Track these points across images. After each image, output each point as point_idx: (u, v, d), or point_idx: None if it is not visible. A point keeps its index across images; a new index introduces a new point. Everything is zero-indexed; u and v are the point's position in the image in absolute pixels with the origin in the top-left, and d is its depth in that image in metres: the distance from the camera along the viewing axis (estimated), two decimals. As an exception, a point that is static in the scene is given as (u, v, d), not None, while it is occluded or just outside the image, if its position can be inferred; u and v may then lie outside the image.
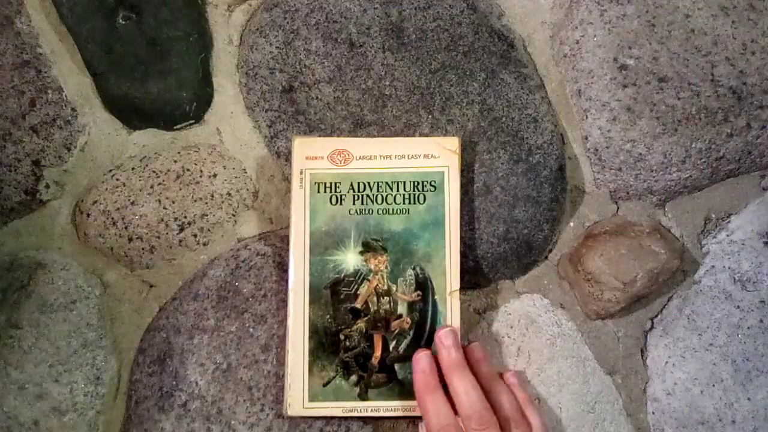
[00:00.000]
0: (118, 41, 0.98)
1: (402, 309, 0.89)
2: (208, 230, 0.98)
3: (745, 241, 1.01)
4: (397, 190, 0.90)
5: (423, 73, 0.98)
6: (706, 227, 1.03)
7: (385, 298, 0.89)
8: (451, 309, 0.89)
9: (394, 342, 0.88)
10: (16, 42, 0.97)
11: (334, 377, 0.87)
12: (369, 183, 0.90)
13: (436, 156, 0.91)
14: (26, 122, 0.96)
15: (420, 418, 0.93)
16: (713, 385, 0.96)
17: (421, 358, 0.87)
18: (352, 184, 0.90)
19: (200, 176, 0.98)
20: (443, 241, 0.89)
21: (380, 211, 0.89)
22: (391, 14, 0.98)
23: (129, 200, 0.96)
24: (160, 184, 0.97)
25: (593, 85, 0.99)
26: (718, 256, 1.01)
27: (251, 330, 0.92)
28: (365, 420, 0.93)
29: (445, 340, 0.87)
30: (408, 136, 0.97)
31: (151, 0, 0.98)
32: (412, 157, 0.91)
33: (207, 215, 0.98)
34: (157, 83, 0.99)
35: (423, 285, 0.89)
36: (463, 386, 0.84)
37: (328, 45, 0.97)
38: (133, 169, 0.98)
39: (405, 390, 0.88)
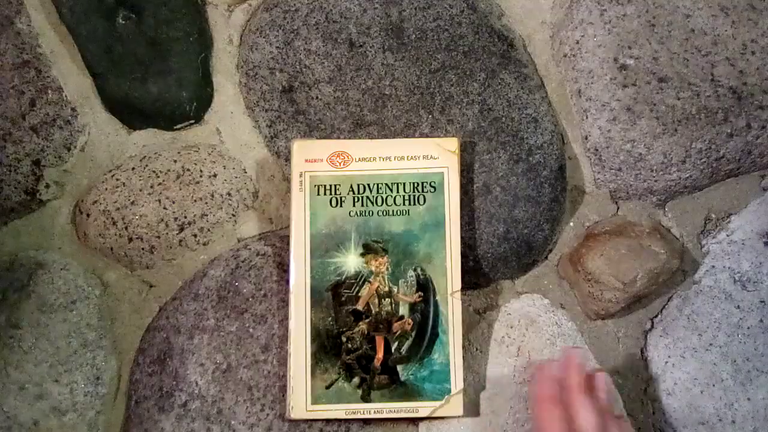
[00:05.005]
0: (118, 41, 0.98)
1: (403, 310, 0.89)
2: (208, 230, 0.98)
3: (745, 241, 1.01)
4: (397, 192, 0.90)
5: (423, 73, 0.98)
6: (706, 227, 1.03)
7: (387, 299, 0.89)
8: (452, 310, 0.89)
9: (396, 343, 0.89)
10: (16, 42, 0.97)
11: (336, 379, 0.88)
12: (369, 185, 0.90)
13: (436, 157, 0.91)
14: (26, 122, 0.96)
15: (421, 419, 0.93)
16: (713, 385, 0.96)
17: (552, 366, 0.88)
18: (351, 186, 0.90)
19: (200, 176, 0.98)
20: (444, 242, 0.89)
21: (380, 213, 0.89)
22: (391, 14, 0.98)
23: (129, 200, 0.96)
24: (160, 184, 0.97)
25: (593, 85, 0.99)
26: (718, 256, 1.02)
27: (251, 330, 0.92)
28: (366, 421, 0.93)
29: (577, 359, 0.87)
30: (408, 136, 0.97)
31: (151, 0, 0.98)
32: (412, 158, 0.91)
33: (207, 215, 0.98)
34: (157, 83, 0.99)
35: (424, 286, 0.89)
36: (586, 410, 0.82)
37: (328, 45, 0.97)
38: (133, 169, 0.98)
39: (408, 391, 0.88)
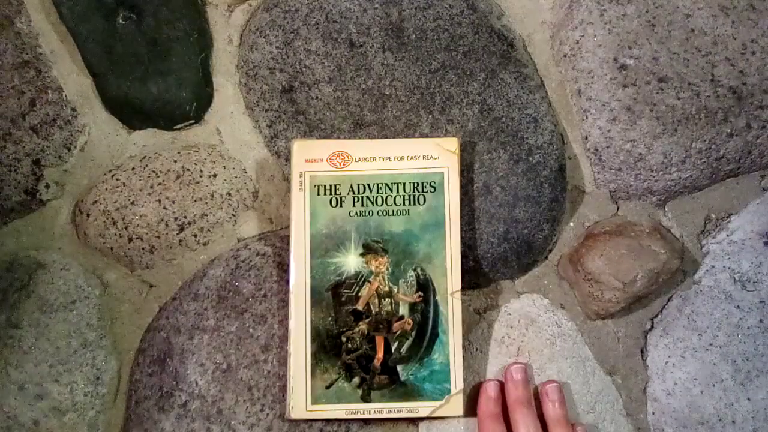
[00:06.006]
0: (118, 41, 0.98)
1: (403, 310, 0.89)
2: (208, 230, 0.98)
3: (745, 241, 1.01)
4: (397, 192, 0.90)
5: (423, 73, 0.98)
6: (706, 227, 1.03)
7: (387, 299, 0.89)
8: (452, 310, 0.89)
9: (396, 343, 0.89)
10: (16, 42, 0.97)
11: (336, 379, 0.87)
12: (369, 185, 0.90)
13: (436, 157, 0.91)
14: (26, 122, 0.96)
15: (421, 419, 0.93)
16: (713, 385, 0.96)
17: (489, 386, 0.92)
18: (351, 186, 0.90)
19: (200, 176, 0.98)
20: (444, 242, 0.89)
21: (380, 213, 0.89)
22: (391, 14, 0.98)
23: (129, 200, 0.96)
24: (160, 184, 0.97)
25: (593, 85, 0.99)
26: (718, 256, 1.02)
27: (251, 330, 0.92)
28: (366, 421, 0.93)
29: (515, 374, 0.92)
30: (408, 136, 0.97)
31: (151, 0, 0.98)
32: (412, 158, 0.91)
33: (207, 215, 0.98)
34: (157, 83, 0.99)
35: (424, 286, 0.89)
36: (524, 422, 0.88)
37: (328, 45, 0.97)
38: (133, 169, 0.98)
39: (407, 391, 0.88)
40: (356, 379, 0.88)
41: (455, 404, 0.89)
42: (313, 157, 0.90)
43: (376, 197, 0.90)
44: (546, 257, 1.03)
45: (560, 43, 1.02)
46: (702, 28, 0.98)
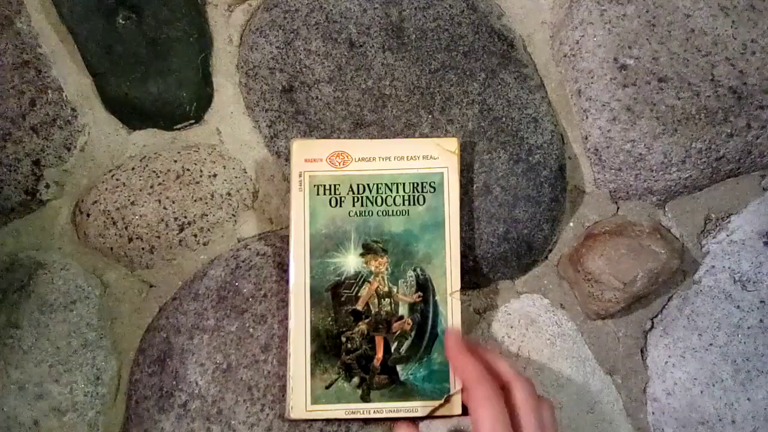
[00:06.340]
0: (118, 41, 0.98)
1: (403, 310, 0.89)
2: (208, 230, 0.98)
3: (745, 241, 1.01)
4: (397, 192, 0.90)
5: (423, 73, 0.98)
6: (706, 227, 1.03)
7: (386, 299, 0.88)
8: (452, 310, 0.89)
9: (395, 343, 0.88)
10: (16, 42, 0.97)
11: (336, 379, 0.87)
12: (368, 185, 0.90)
13: (435, 157, 0.91)
14: (26, 122, 0.96)
15: (420, 418, 0.93)
16: (713, 385, 0.96)
17: (450, 331, 0.87)
18: (351, 186, 0.90)
19: (200, 176, 0.98)
20: (443, 242, 0.89)
21: (380, 213, 0.89)
22: (391, 14, 0.98)
23: (129, 200, 0.96)
24: (160, 184, 0.97)
25: (593, 85, 0.99)
26: (718, 256, 1.02)
27: (251, 330, 0.92)
28: (365, 421, 0.93)
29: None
30: (408, 136, 0.96)
31: (151, 0, 0.98)
32: (411, 158, 0.90)
33: (207, 215, 0.98)
34: (157, 83, 0.99)
35: (424, 286, 0.89)
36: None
37: (328, 45, 0.97)
38: (133, 169, 0.98)
39: (407, 391, 0.88)
40: (356, 379, 0.88)
41: (455, 404, 0.88)
42: (312, 157, 0.90)
43: (376, 197, 0.90)
44: (546, 257, 1.03)
45: (560, 43, 1.02)
46: (702, 28, 0.98)
